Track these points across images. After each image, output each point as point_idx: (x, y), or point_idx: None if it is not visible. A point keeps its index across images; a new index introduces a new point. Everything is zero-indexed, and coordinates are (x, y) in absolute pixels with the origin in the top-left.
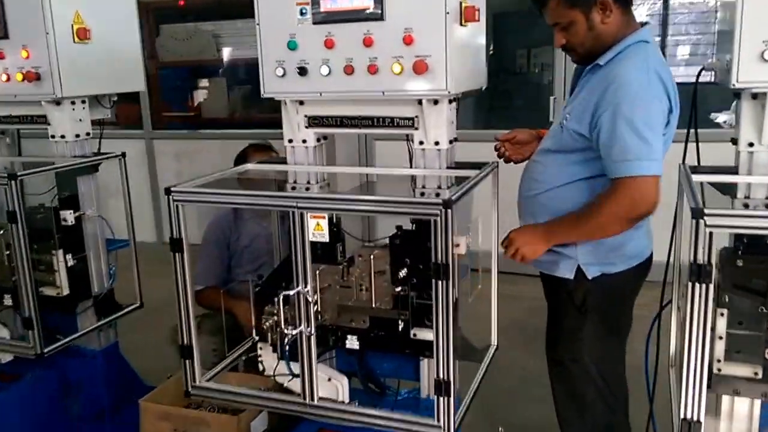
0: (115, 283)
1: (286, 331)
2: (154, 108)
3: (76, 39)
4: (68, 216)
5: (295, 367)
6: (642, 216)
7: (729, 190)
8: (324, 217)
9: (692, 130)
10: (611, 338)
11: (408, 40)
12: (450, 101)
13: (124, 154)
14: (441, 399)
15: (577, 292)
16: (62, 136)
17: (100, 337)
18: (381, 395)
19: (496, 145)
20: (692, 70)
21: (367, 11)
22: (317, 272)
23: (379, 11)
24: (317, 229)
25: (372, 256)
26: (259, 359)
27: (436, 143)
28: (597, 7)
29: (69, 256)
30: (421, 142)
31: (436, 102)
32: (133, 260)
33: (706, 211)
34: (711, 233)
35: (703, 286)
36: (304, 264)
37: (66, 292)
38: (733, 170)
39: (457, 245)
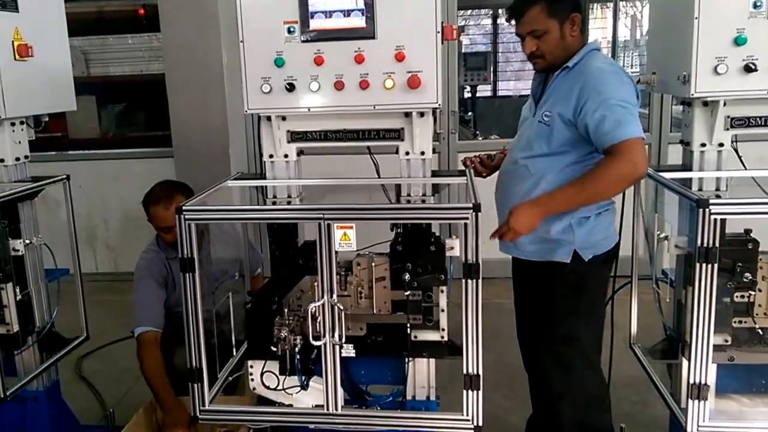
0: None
1: (314, 342)
2: None
3: (17, 57)
4: (18, 245)
5: (292, 380)
6: (640, 177)
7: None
8: (352, 227)
9: None
10: (598, 314)
11: (400, 57)
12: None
13: (68, 177)
14: (470, 393)
15: (572, 274)
16: (1, 160)
17: (42, 375)
18: (364, 401)
19: (465, 161)
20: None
21: (359, 30)
22: (314, 283)
23: (371, 30)
24: (344, 239)
25: (373, 264)
26: (251, 377)
27: (422, 153)
28: (569, 21)
29: (18, 290)
30: (407, 153)
31: (422, 114)
32: (78, 289)
33: (711, 201)
34: (716, 219)
35: (710, 266)
36: (331, 275)
37: (16, 328)
38: (680, 168)
39: (451, 248)
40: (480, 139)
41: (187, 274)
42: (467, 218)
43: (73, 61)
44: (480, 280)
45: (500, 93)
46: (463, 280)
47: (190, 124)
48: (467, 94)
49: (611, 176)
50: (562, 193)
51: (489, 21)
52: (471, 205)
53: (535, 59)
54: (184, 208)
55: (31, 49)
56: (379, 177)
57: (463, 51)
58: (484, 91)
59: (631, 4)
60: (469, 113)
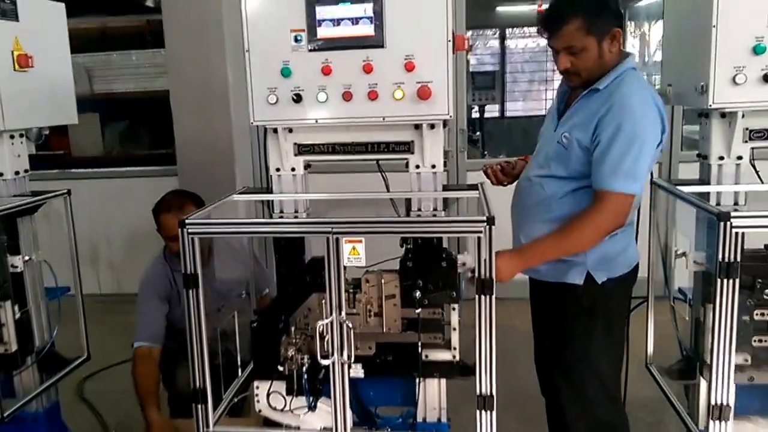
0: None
1: (322, 362)
2: None
3: (17, 67)
4: (17, 262)
5: (299, 401)
6: (614, 230)
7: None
8: (361, 241)
9: None
10: (613, 337)
11: (409, 67)
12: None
13: (69, 192)
14: (484, 414)
15: (586, 296)
16: (0, 174)
17: (41, 396)
18: (373, 423)
19: (488, 171)
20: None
21: (368, 39)
22: (322, 301)
23: (380, 39)
24: (353, 253)
25: (383, 281)
26: (257, 398)
27: (433, 166)
28: (609, 36)
29: (16, 308)
30: (417, 166)
31: (432, 126)
32: (79, 308)
33: (732, 214)
34: (737, 233)
35: (731, 281)
36: (339, 291)
37: (14, 348)
38: (697, 182)
39: (463, 264)
40: (488, 158)
41: (191, 291)
42: (481, 231)
43: (76, 78)
44: (494, 296)
45: (508, 114)
46: (476, 296)
47: (195, 142)
48: (475, 114)
49: (590, 229)
50: (542, 245)
51: (496, 42)
52: (485, 218)
53: (569, 76)
54: (187, 221)
55: (31, 60)
56: (388, 191)
57: (470, 70)
58: (491, 111)
59: (639, 23)
60: (477, 133)
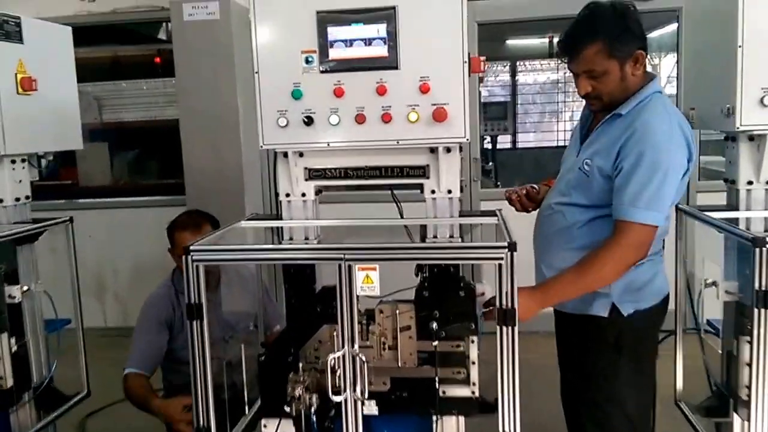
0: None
1: (333, 398)
2: None
3: (20, 90)
4: (15, 292)
5: None
6: (636, 262)
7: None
8: (375, 269)
9: None
10: (643, 374)
11: (424, 89)
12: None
13: (71, 219)
14: None
15: (611, 330)
16: (0, 200)
17: None
18: None
19: (511, 196)
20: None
21: (381, 60)
22: (333, 333)
23: (394, 60)
24: (366, 282)
25: (397, 312)
26: None
27: (449, 192)
28: (632, 59)
29: (13, 341)
30: (432, 191)
31: (449, 150)
32: (80, 341)
33: None
34: None
35: None
36: (352, 322)
37: (10, 383)
38: (725, 208)
39: (482, 294)
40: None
41: (194, 322)
42: (502, 258)
43: (85, 107)
44: (516, 328)
45: (520, 145)
46: (498, 328)
47: (204, 171)
48: (487, 145)
49: (610, 263)
50: (562, 282)
51: (507, 75)
52: (506, 244)
53: (590, 100)
54: (191, 248)
55: (35, 83)
56: (402, 218)
57: (482, 101)
58: (503, 142)
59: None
60: (490, 163)
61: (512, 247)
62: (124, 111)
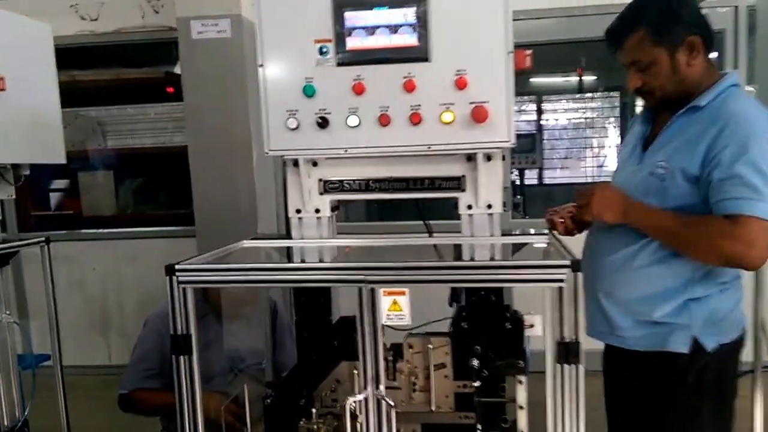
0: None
1: None
2: (20, 205)
3: None
4: None
5: None
6: (738, 263)
7: None
8: (404, 293)
9: None
10: (725, 419)
11: (461, 84)
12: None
13: (48, 240)
14: None
15: (692, 369)
16: None
17: None
18: None
19: (553, 218)
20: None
21: (409, 51)
22: (353, 371)
23: (425, 50)
24: (393, 308)
25: (430, 346)
26: None
27: (489, 206)
28: (684, 47)
29: None
30: (469, 206)
31: (489, 157)
32: (58, 379)
33: None
34: None
35: None
36: (376, 358)
37: None
38: None
39: (531, 326)
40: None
41: (181, 358)
42: (562, 280)
43: (89, 133)
44: (582, 366)
45: (546, 181)
46: (557, 366)
47: (215, 200)
48: (514, 178)
49: (712, 244)
50: (657, 217)
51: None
52: (569, 263)
53: (643, 96)
54: (176, 267)
55: (2, 82)
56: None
57: None
58: (530, 178)
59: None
60: (518, 196)
61: (576, 266)
62: (130, 137)
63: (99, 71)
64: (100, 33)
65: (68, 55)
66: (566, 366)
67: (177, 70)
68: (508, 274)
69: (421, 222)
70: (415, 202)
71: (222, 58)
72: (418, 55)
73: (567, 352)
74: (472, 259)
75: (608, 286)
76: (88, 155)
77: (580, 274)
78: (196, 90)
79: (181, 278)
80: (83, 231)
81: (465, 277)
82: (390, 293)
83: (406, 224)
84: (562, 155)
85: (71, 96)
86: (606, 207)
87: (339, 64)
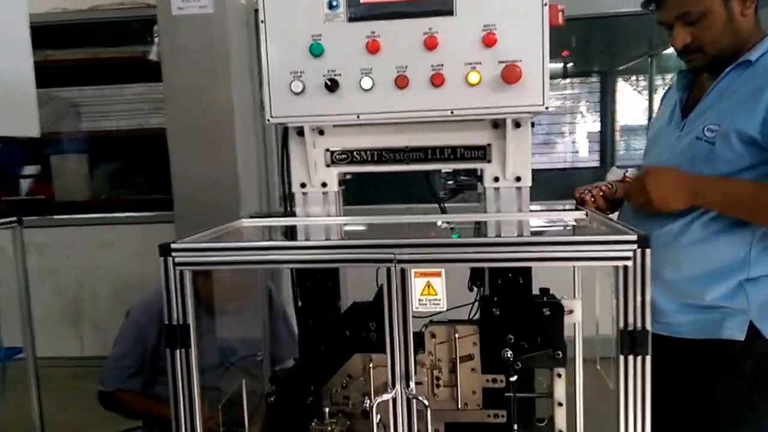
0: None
1: None
2: None
3: None
4: None
5: None
6: None
7: None
8: (439, 274)
9: None
10: None
11: (489, 41)
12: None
13: (20, 220)
14: None
15: (748, 358)
16: None
17: None
18: None
19: (584, 196)
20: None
21: (430, 3)
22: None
23: (448, 3)
24: (427, 293)
25: (456, 336)
26: None
27: (518, 179)
28: None
29: None
30: (496, 179)
31: (518, 124)
32: (30, 372)
33: None
34: None
35: None
36: (407, 351)
37: None
38: None
39: (570, 311)
40: None
41: (177, 351)
42: (629, 258)
43: (62, 114)
44: (649, 357)
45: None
46: (622, 358)
47: (195, 184)
48: None
49: None
50: (734, 186)
51: None
52: (635, 238)
53: (690, 55)
54: (173, 246)
55: None
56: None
57: None
58: None
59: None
60: None
61: (644, 242)
62: (105, 119)
63: (73, 50)
64: (74, 10)
65: (41, 34)
66: (632, 357)
67: (153, 56)
68: (566, 252)
69: (404, 206)
70: (425, 178)
71: (204, 36)
72: (441, 7)
73: (633, 342)
74: (520, 235)
75: (652, 265)
76: (62, 138)
77: (648, 251)
78: (175, 69)
79: (177, 259)
80: (56, 217)
81: (517, 256)
82: (423, 274)
83: (388, 207)
84: (539, 141)
85: (44, 76)
86: (669, 194)
87: (350, 19)
